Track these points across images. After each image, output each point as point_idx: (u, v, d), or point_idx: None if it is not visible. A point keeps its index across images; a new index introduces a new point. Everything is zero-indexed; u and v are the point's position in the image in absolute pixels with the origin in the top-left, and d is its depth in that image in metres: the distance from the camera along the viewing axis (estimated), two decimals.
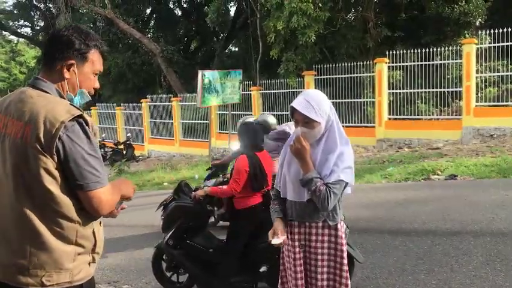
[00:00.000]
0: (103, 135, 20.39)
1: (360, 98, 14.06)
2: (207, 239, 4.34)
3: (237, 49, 27.24)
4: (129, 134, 19.60)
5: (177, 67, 22.68)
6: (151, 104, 20.10)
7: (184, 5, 27.77)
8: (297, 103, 2.42)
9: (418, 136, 12.72)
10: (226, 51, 26.40)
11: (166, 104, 19.23)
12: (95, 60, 1.95)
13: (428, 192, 7.44)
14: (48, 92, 1.83)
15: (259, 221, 4.07)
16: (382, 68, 13.31)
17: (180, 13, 27.85)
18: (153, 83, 25.52)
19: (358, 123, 14.05)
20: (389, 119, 13.44)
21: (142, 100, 20.31)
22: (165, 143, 19.41)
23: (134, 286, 4.90)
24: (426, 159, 9.85)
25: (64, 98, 1.87)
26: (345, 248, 2.51)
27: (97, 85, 2.00)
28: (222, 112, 17.28)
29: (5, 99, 1.89)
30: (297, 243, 2.55)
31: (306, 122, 2.40)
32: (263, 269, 4.05)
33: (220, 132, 17.22)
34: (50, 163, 1.70)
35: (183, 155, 17.89)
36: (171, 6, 27.66)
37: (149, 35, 26.09)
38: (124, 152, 18.39)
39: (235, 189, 3.92)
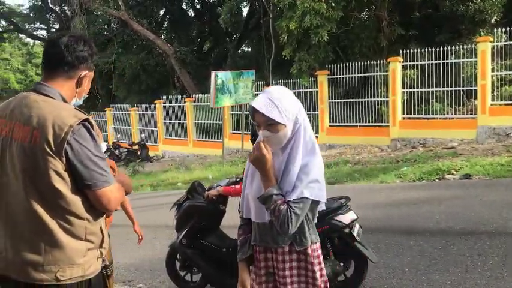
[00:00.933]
0: (118, 136, 20.58)
1: (373, 98, 13.98)
2: (221, 239, 4.36)
3: (249, 49, 27.29)
4: (143, 135, 19.75)
5: (190, 68, 22.80)
6: (165, 104, 20.23)
7: (197, 6, 27.90)
8: (258, 102, 2.02)
9: (432, 135, 12.61)
10: (239, 51, 26.46)
11: (180, 104, 19.34)
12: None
13: (443, 192, 7.38)
14: (52, 97, 1.91)
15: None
16: (396, 67, 13.22)
17: (193, 14, 28.00)
18: (166, 84, 25.68)
19: (372, 122, 13.98)
20: (404, 118, 13.34)
21: (156, 101, 20.46)
22: (179, 144, 19.51)
23: (148, 285, 4.95)
24: (441, 159, 9.76)
25: (67, 103, 1.96)
26: (317, 274, 2.12)
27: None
28: (235, 112, 17.33)
29: (7, 105, 1.96)
30: (263, 272, 2.19)
31: (269, 124, 2.01)
32: None
33: (233, 133, 17.26)
34: (59, 164, 1.78)
35: (197, 156, 17.97)
36: (184, 8, 27.82)
37: (163, 36, 26.27)
38: (138, 153, 18.54)
39: None
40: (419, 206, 6.59)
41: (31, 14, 31.68)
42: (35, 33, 33.22)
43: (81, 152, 1.80)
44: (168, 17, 28.11)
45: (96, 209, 1.91)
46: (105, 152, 3.39)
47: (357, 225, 3.98)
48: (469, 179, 8.04)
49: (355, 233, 3.89)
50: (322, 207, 2.18)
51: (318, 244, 2.17)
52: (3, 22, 31.17)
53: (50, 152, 1.77)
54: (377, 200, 7.18)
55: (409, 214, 6.26)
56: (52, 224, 1.81)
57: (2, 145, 1.87)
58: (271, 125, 2.01)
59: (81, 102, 2.12)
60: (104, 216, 2.01)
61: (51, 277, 1.81)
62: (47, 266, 1.81)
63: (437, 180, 8.37)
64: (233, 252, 4.16)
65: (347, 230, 3.88)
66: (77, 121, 1.82)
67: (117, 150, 18.45)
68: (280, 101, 2.02)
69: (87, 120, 1.86)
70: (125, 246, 6.24)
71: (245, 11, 23.97)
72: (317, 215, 2.19)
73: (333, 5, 14.24)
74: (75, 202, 1.83)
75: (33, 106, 1.86)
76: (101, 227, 1.96)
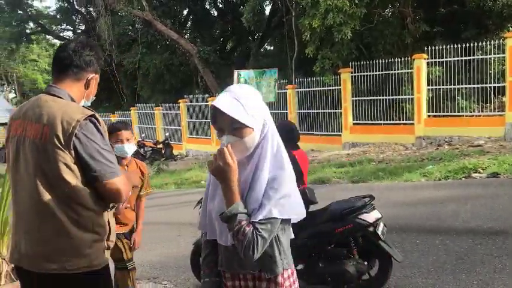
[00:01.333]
0: (142, 135, 20.85)
1: (398, 95, 13.81)
2: None
3: (272, 48, 27.26)
4: (167, 134, 19.97)
5: (213, 67, 22.92)
6: (188, 104, 20.40)
7: (220, 6, 28.02)
8: (221, 102, 1.71)
9: (458, 133, 12.38)
10: (262, 50, 26.48)
11: (203, 104, 19.47)
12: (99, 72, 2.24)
13: (469, 191, 7.25)
14: (61, 97, 2.04)
15: None
16: (420, 64, 13.03)
17: (216, 13, 28.13)
18: (190, 83, 25.88)
19: (396, 120, 13.82)
20: (429, 116, 13.14)
21: (179, 100, 20.65)
22: (203, 142, 19.65)
23: (173, 282, 5.01)
24: (467, 157, 9.59)
25: (75, 102, 2.08)
26: None
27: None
28: None
29: (22, 107, 2.11)
30: None
31: (235, 128, 1.72)
32: (300, 266, 4.07)
33: None
34: (68, 158, 1.89)
35: None
36: (207, 7, 27.97)
37: (186, 36, 26.48)
38: (163, 151, 18.75)
39: None
40: (445, 205, 6.49)
41: (58, 16, 32.36)
42: (61, 34, 33.91)
43: (89, 145, 1.91)
44: (191, 16, 28.32)
45: (104, 202, 2.00)
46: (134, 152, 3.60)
47: (382, 224, 3.96)
48: (496, 178, 7.88)
49: (379, 232, 3.86)
50: (299, 217, 1.86)
51: (291, 270, 1.88)
52: (31, 24, 31.86)
53: (59, 145, 1.88)
54: (402, 199, 7.11)
55: (434, 213, 6.18)
56: (60, 214, 1.90)
57: (17, 144, 2.00)
58: (237, 128, 1.72)
59: (89, 104, 2.23)
60: (113, 210, 2.11)
61: (59, 267, 1.91)
62: (56, 256, 1.91)
63: (463, 178, 8.23)
64: None
65: (371, 229, 3.86)
66: (84, 116, 1.93)
67: (142, 149, 18.69)
68: (247, 101, 1.73)
69: (93, 116, 1.97)
70: (150, 244, 6.33)
71: (267, 10, 23.97)
72: (291, 236, 1.91)
73: (356, 2, 14.11)
74: (83, 194, 1.92)
75: (44, 105, 1.98)
76: (108, 221, 2.05)
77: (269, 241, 1.73)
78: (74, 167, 1.91)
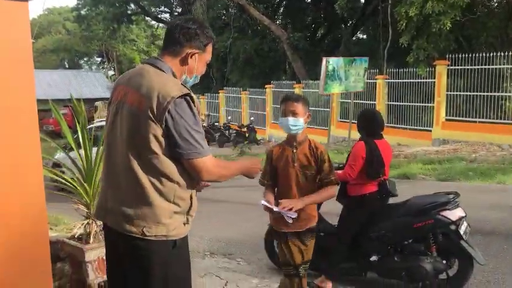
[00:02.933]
0: (229, 118, 21.37)
1: (498, 92, 12.84)
2: (319, 222, 4.37)
3: (364, 36, 26.50)
4: (252, 118, 20.28)
5: (302, 54, 22.80)
6: (274, 89, 20.52)
7: None
8: None
9: None
10: (354, 38, 25.82)
11: (289, 90, 19.49)
12: (209, 52, 2.25)
13: None
14: (163, 71, 2.10)
15: (372, 210, 4.00)
16: None
17: (309, 0, 27.83)
18: (278, 69, 25.97)
19: (494, 119, 12.89)
20: None
21: (266, 86, 20.82)
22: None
23: (247, 260, 5.13)
24: None
25: (177, 78, 2.13)
26: None
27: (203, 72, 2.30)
28: (344, 100, 17.05)
29: (126, 74, 2.22)
30: None
31: None
32: (374, 258, 3.99)
33: (341, 121, 17.02)
34: (159, 131, 1.96)
35: None
36: None
37: (277, 22, 26.53)
38: (246, 135, 19.08)
39: (350, 174, 3.89)
40: None
41: None
42: (159, 16, 35.48)
43: (180, 123, 1.96)
44: (284, 2, 28.28)
45: (189, 176, 2.05)
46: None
47: (465, 223, 3.75)
48: None
49: (461, 231, 3.67)
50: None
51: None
52: (132, 5, 33.56)
53: (152, 118, 1.95)
54: (492, 201, 6.67)
55: None
56: (145, 181, 1.99)
57: (117, 107, 2.12)
58: None
59: (194, 81, 2.27)
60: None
61: (138, 231, 2.00)
62: (136, 219, 2.00)
63: None
64: (330, 237, 4.16)
65: (453, 227, 3.67)
66: (179, 94, 1.97)
67: (227, 131, 19.19)
68: None
69: (188, 95, 2.01)
70: (231, 222, 6.53)
71: None
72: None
73: None
74: (168, 165, 1.99)
75: (146, 76, 2.06)
76: (191, 195, 2.10)
77: None
78: (162, 140, 1.97)
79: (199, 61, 2.21)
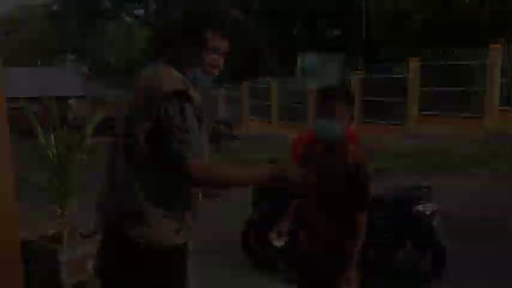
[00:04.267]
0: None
1: (469, 87, 13.11)
2: None
3: (339, 32, 26.53)
4: (227, 114, 20.20)
5: (278, 50, 22.73)
6: (250, 85, 20.47)
7: None
8: None
9: None
10: (329, 34, 25.92)
11: (263, 86, 19.44)
12: (223, 46, 2.05)
13: None
14: (169, 67, 1.97)
15: None
16: None
17: None
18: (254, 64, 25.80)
19: (465, 113, 13.17)
20: None
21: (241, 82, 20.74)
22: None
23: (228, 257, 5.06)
24: None
25: (183, 74, 1.98)
26: None
27: (221, 65, 2.07)
28: None
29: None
30: None
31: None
32: None
33: None
34: (150, 128, 1.85)
35: None
36: None
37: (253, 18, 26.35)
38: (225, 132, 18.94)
39: None
40: None
41: None
42: (134, 12, 35.03)
43: (171, 121, 1.84)
44: None
45: (183, 179, 1.91)
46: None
47: (437, 216, 3.82)
48: None
49: (434, 224, 3.74)
50: None
51: None
52: (106, 1, 33.10)
53: (144, 114, 1.86)
54: (465, 193, 6.79)
55: None
56: (134, 181, 1.91)
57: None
58: None
59: (206, 80, 2.09)
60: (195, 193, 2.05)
61: (123, 231, 1.93)
62: (122, 219, 1.93)
63: None
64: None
65: (426, 220, 3.74)
66: (173, 90, 1.85)
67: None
68: None
69: (184, 92, 1.88)
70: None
71: None
72: None
73: None
74: (158, 167, 1.90)
75: (148, 69, 2.01)
76: (185, 202, 2.01)
77: None
78: (154, 139, 1.87)
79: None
